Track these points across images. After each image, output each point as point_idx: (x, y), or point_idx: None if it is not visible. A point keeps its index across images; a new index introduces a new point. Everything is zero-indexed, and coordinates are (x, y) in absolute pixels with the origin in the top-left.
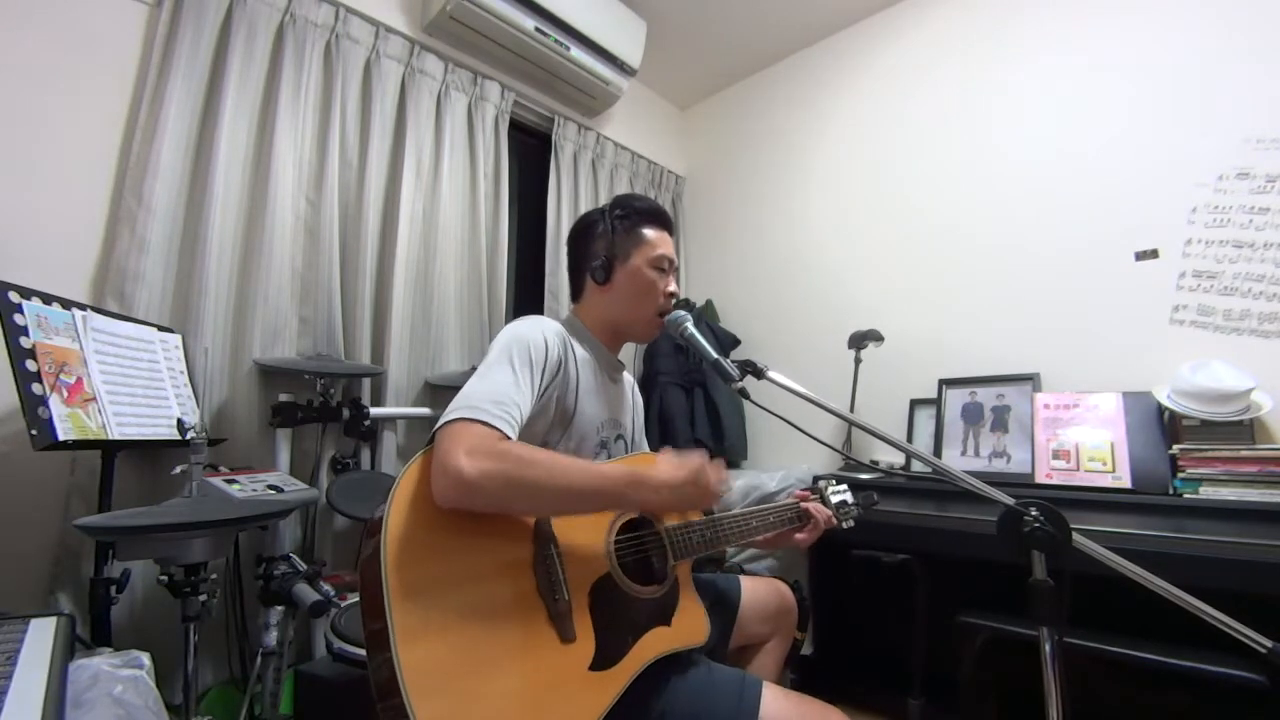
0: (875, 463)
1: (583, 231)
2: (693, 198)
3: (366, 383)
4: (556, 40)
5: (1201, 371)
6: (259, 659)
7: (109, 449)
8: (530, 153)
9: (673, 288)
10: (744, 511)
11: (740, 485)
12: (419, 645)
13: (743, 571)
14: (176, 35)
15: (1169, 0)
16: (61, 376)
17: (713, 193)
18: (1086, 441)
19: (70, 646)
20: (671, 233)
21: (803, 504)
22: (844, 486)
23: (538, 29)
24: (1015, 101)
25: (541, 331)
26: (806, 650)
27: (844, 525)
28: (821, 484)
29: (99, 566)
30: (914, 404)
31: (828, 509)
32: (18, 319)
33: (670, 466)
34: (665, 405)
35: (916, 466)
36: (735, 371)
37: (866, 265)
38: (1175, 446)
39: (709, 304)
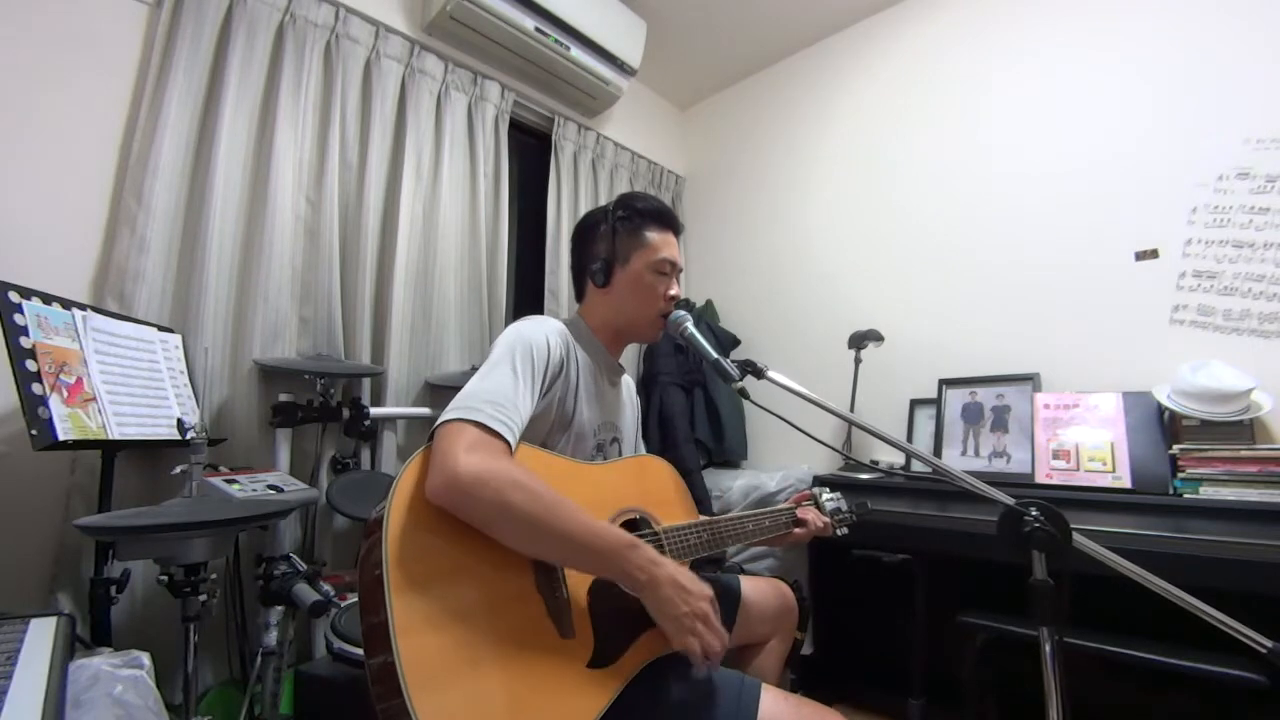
0: (875, 463)
1: (584, 232)
2: (693, 198)
3: (366, 383)
4: (556, 40)
5: (1201, 371)
6: (259, 659)
7: (109, 449)
8: (530, 153)
9: (675, 290)
10: (741, 515)
11: (740, 485)
12: (418, 638)
13: (743, 571)
14: (176, 35)
15: (1169, 1)
16: (61, 376)
17: (713, 193)
18: (1086, 441)
19: (70, 646)
20: (677, 234)
21: (798, 511)
22: (837, 494)
23: (538, 29)
24: (1016, 101)
25: (545, 332)
26: (806, 650)
27: (838, 533)
28: (816, 491)
29: (99, 566)
30: (914, 404)
31: (824, 516)
32: (18, 319)
33: (679, 566)
34: (665, 405)
35: (916, 466)
36: (735, 371)
37: (866, 265)
38: (1175, 446)
39: (709, 304)
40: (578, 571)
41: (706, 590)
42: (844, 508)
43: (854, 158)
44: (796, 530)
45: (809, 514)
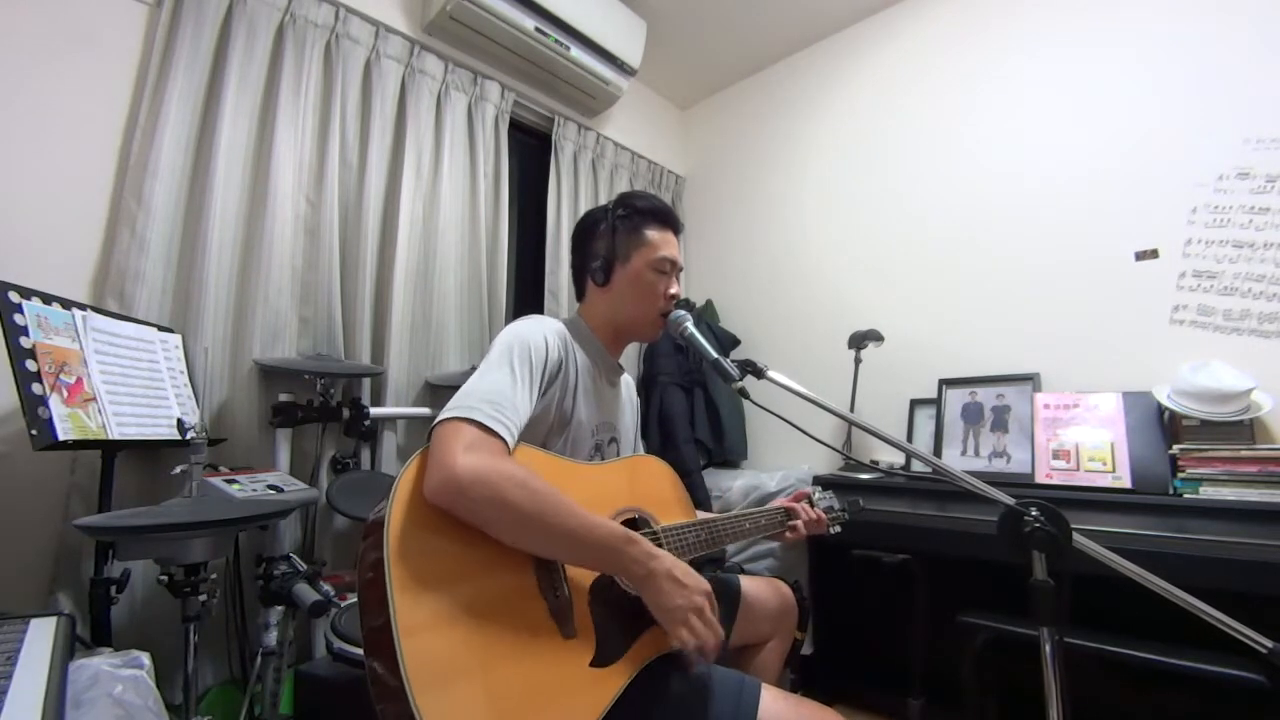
0: (875, 463)
1: (585, 231)
2: (693, 198)
3: (366, 383)
4: (556, 40)
5: (1201, 371)
6: (259, 659)
7: (109, 449)
8: (530, 153)
9: (675, 289)
10: (738, 514)
11: (740, 485)
12: (421, 640)
13: (743, 571)
14: (176, 35)
15: (1169, 1)
16: (61, 376)
17: (713, 193)
18: (1086, 441)
19: (70, 646)
20: (677, 232)
21: (791, 509)
22: (829, 493)
23: (538, 29)
24: (1015, 101)
25: (543, 332)
26: (806, 650)
27: (832, 531)
28: (809, 490)
29: (99, 566)
30: (914, 404)
31: (818, 513)
32: (18, 319)
33: (676, 560)
34: (665, 405)
35: (916, 466)
36: (735, 371)
37: (866, 265)
38: (1175, 446)
39: (709, 304)
40: (577, 567)
41: (703, 584)
42: (836, 505)
43: (854, 157)
44: (789, 535)
45: (800, 508)
